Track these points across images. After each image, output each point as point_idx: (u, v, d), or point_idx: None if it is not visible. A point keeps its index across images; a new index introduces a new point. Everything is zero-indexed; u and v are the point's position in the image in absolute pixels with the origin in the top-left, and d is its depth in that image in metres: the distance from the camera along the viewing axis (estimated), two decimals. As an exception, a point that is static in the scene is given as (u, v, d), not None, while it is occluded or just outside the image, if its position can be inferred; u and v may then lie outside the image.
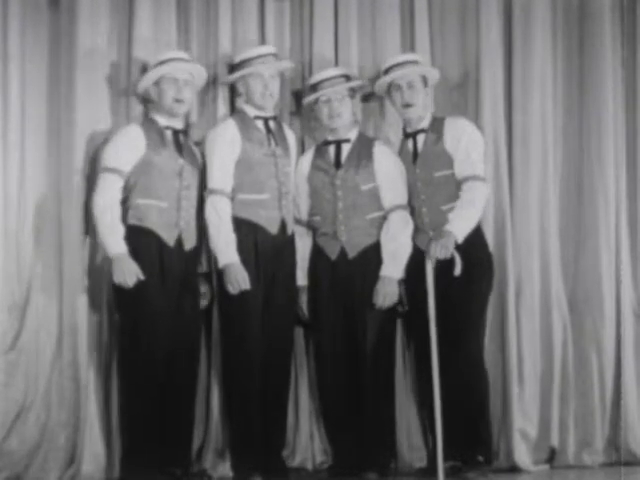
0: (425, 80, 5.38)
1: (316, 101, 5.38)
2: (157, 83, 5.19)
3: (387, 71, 5.36)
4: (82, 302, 5.30)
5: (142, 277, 5.01)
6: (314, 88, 5.38)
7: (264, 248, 5.23)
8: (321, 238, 5.39)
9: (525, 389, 5.63)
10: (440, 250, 5.09)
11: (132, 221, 5.09)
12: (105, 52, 5.42)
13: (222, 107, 5.50)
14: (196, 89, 5.33)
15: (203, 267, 5.32)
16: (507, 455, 5.53)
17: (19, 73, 5.43)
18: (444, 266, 5.13)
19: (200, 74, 5.31)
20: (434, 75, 5.46)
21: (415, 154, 5.37)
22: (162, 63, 5.18)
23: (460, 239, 5.13)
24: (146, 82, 5.22)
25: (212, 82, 5.50)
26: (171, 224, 5.13)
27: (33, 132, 5.44)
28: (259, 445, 5.21)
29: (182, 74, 5.19)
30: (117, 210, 5.05)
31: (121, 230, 5.03)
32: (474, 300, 5.27)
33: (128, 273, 5.00)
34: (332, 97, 5.32)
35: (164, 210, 5.11)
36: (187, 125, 5.42)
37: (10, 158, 5.42)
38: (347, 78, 5.39)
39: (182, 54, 5.27)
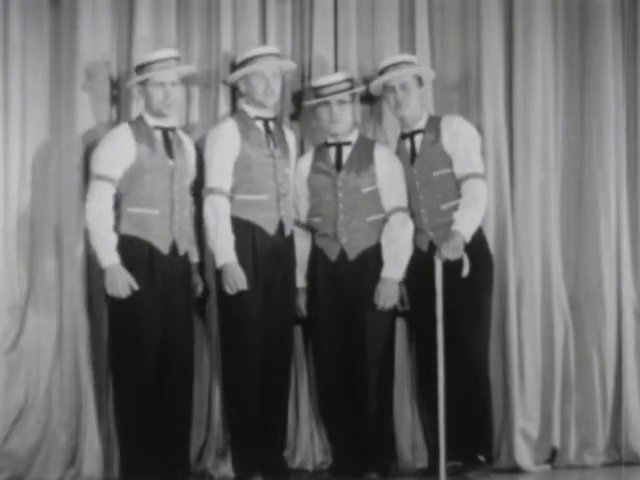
0: (420, 80, 5.38)
1: (317, 104, 5.37)
2: (143, 84, 5.16)
3: (382, 72, 5.37)
4: (82, 302, 5.30)
5: (136, 287, 4.99)
6: (316, 92, 5.38)
7: (262, 249, 5.23)
8: (321, 239, 5.38)
9: (526, 389, 5.62)
10: (451, 251, 5.09)
11: (124, 230, 5.05)
12: (106, 52, 5.42)
13: (224, 107, 5.49)
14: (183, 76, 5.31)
15: (196, 258, 5.31)
16: (508, 455, 5.53)
17: (20, 73, 5.42)
18: (446, 267, 5.13)
19: (187, 70, 5.30)
20: (429, 74, 5.46)
21: (413, 154, 5.37)
22: (149, 65, 5.13)
23: (468, 238, 5.15)
24: (132, 84, 5.20)
25: (214, 82, 5.49)
26: (165, 231, 5.10)
27: (34, 132, 5.43)
28: (260, 445, 5.22)
29: (169, 76, 5.15)
30: (110, 220, 5.01)
31: (114, 240, 5.00)
32: (475, 301, 5.27)
33: (121, 284, 4.97)
34: (333, 102, 5.31)
35: (156, 218, 5.08)
36: (185, 122, 5.44)
37: (11, 158, 5.41)
38: (349, 82, 5.39)
39: (169, 52, 5.20)
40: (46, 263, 5.39)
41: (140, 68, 5.16)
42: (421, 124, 5.37)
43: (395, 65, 5.34)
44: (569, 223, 5.82)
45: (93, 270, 5.32)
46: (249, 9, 5.55)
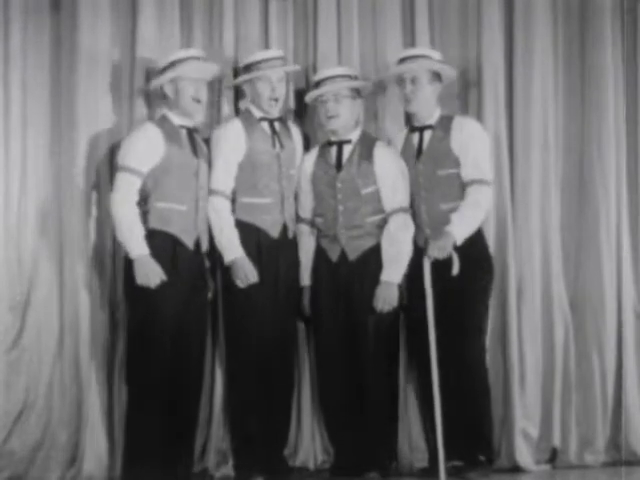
0: (436, 76, 5.33)
1: (317, 100, 5.35)
2: (174, 82, 5.16)
3: (398, 63, 5.33)
4: (83, 301, 5.32)
5: (165, 278, 5.01)
6: (316, 86, 5.36)
7: (266, 251, 5.23)
8: (323, 240, 5.38)
9: (526, 389, 5.63)
10: (437, 251, 5.10)
11: (153, 225, 5.06)
12: (107, 53, 5.44)
13: (226, 107, 5.51)
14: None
15: (206, 261, 5.31)
16: (509, 455, 5.53)
17: (21, 74, 5.44)
18: (445, 266, 5.14)
19: (212, 71, 5.30)
20: (449, 72, 5.38)
21: (420, 150, 5.36)
22: (179, 62, 5.15)
23: (459, 241, 5.14)
24: (162, 80, 5.18)
25: (216, 83, 5.49)
26: (190, 227, 5.13)
27: (35, 132, 5.45)
28: (261, 445, 5.22)
29: (199, 73, 5.18)
30: (136, 211, 5.04)
31: (142, 231, 5.02)
32: (474, 301, 5.27)
33: (151, 274, 4.99)
34: (329, 98, 5.28)
35: (184, 213, 5.11)
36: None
37: (12, 158, 5.43)
38: (348, 77, 5.34)
39: (197, 52, 5.23)
40: (47, 263, 5.40)
41: (169, 66, 5.14)
42: (432, 120, 5.34)
43: (411, 57, 5.30)
44: (569, 223, 5.82)
45: (95, 268, 5.35)
46: (251, 9, 5.56)
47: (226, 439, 5.38)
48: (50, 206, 5.42)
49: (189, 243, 5.13)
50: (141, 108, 5.42)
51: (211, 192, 5.21)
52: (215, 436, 5.40)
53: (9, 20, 5.44)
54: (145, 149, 5.06)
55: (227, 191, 5.22)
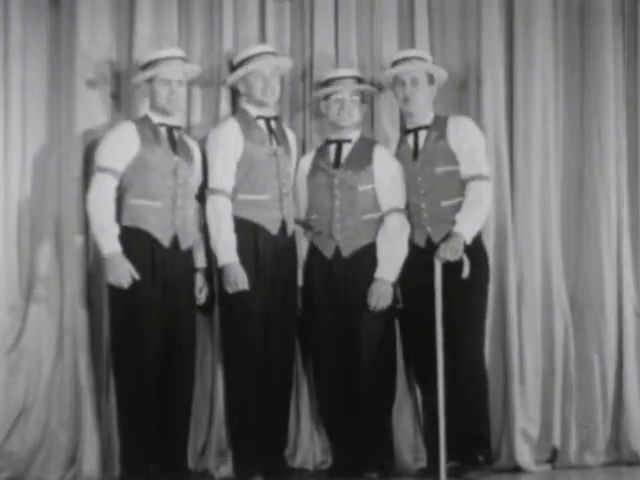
0: (431, 78, 5.38)
1: (326, 98, 5.39)
2: (150, 81, 5.17)
3: (394, 64, 5.37)
4: (82, 303, 5.29)
5: (137, 277, 5.00)
6: (327, 84, 5.39)
7: (265, 249, 5.23)
8: (317, 237, 5.38)
9: (527, 389, 5.62)
10: (450, 253, 5.12)
11: (126, 222, 5.07)
12: (106, 52, 5.42)
13: (225, 107, 5.49)
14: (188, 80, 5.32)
15: (202, 263, 5.29)
16: (509, 455, 5.52)
17: (20, 73, 5.42)
18: (446, 267, 5.14)
19: (191, 72, 5.30)
20: (441, 74, 5.44)
21: (416, 150, 5.37)
22: (156, 62, 5.15)
23: (469, 240, 5.17)
24: (138, 80, 5.21)
25: (215, 82, 5.49)
26: (166, 224, 5.11)
27: (34, 132, 5.43)
28: (261, 445, 5.21)
29: (176, 74, 5.17)
30: (111, 209, 5.04)
31: (115, 229, 5.02)
32: (471, 301, 5.26)
33: (122, 273, 4.98)
34: (346, 95, 5.34)
35: (158, 210, 5.10)
36: (187, 122, 5.44)
37: (11, 158, 5.41)
38: (360, 80, 5.43)
39: (176, 52, 5.23)
40: (47, 263, 5.39)
41: (147, 65, 5.17)
42: (427, 121, 5.38)
43: (407, 59, 5.35)
44: (569, 223, 5.82)
45: (94, 269, 5.33)
46: (250, 7, 5.55)
47: (226, 439, 5.36)
48: (49, 208, 5.41)
49: (164, 241, 5.10)
50: (138, 107, 5.39)
51: (211, 191, 5.21)
52: (215, 436, 5.39)
53: (8, 19, 5.42)
54: (119, 147, 5.08)
55: (227, 189, 5.22)
